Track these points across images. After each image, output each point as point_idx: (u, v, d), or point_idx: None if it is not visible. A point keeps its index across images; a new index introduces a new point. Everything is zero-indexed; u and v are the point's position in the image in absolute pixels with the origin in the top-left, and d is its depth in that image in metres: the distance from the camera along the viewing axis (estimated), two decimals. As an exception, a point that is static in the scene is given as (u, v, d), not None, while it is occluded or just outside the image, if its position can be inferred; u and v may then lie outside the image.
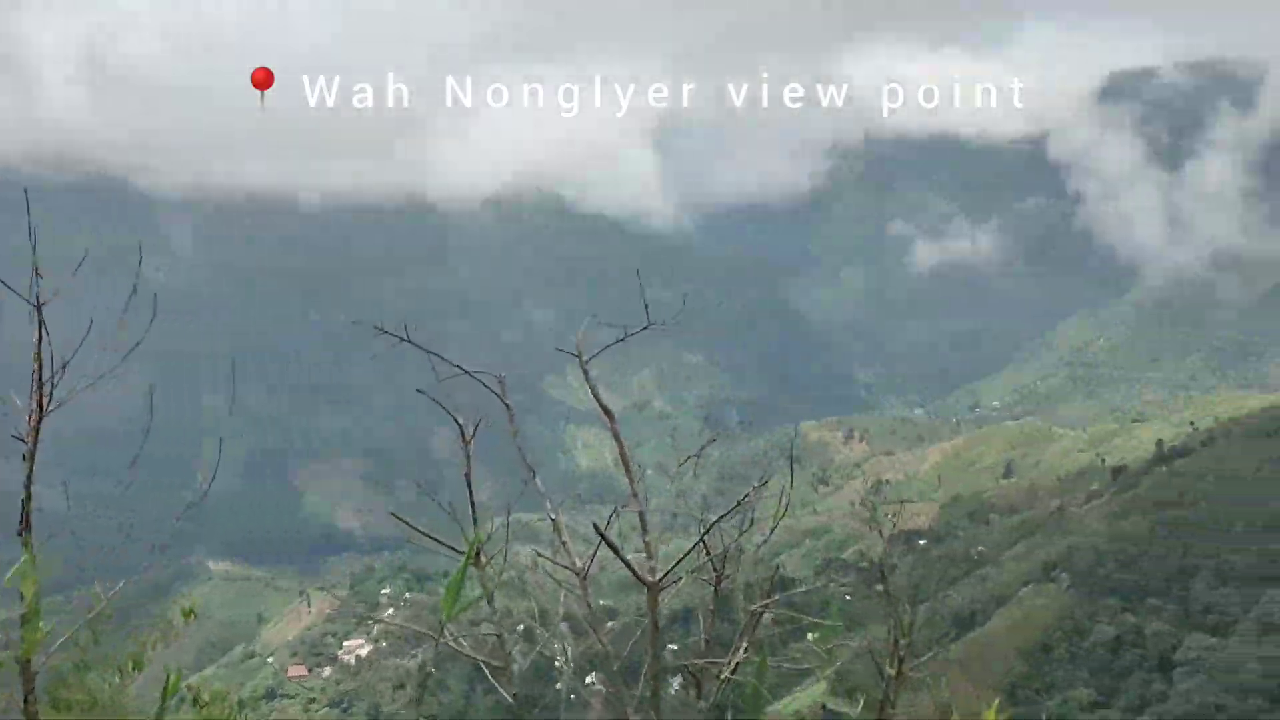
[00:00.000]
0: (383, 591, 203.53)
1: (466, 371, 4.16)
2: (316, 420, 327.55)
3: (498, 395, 4.25)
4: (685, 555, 3.81)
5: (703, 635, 3.71)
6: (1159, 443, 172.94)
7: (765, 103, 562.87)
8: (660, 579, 3.36)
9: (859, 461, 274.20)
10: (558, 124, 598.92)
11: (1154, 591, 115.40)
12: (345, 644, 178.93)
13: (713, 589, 3.91)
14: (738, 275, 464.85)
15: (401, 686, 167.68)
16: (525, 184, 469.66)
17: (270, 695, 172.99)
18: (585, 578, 3.74)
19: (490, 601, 3.73)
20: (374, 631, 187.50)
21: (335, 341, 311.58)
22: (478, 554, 3.59)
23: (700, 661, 3.55)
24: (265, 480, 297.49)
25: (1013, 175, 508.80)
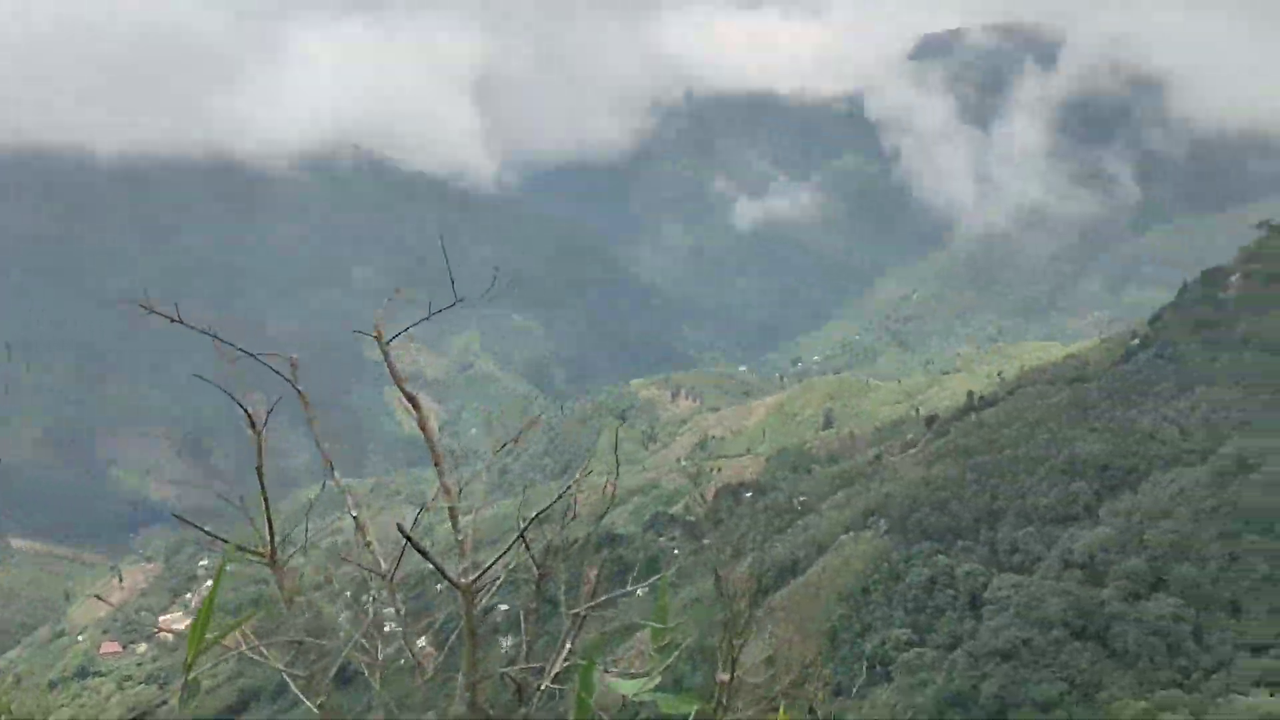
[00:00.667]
0: (200, 564, 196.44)
1: (250, 354, 3.58)
2: (123, 390, 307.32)
3: (288, 380, 3.67)
4: (501, 555, 3.22)
5: (523, 639, 3.08)
6: (969, 393, 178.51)
7: (585, 60, 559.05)
8: (474, 580, 2.91)
9: (686, 418, 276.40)
10: (373, 80, 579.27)
11: (964, 534, 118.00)
12: (161, 619, 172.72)
13: (534, 587, 3.29)
14: (562, 234, 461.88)
15: (225, 661, 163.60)
16: (341, 141, 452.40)
17: (82, 674, 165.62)
18: (392, 580, 3.20)
19: (289, 604, 3.14)
20: (192, 605, 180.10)
21: (136, 308, 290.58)
22: (273, 556, 3.10)
23: (519, 668, 3.00)
24: (68, 455, 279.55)
25: (831, 134, 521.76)
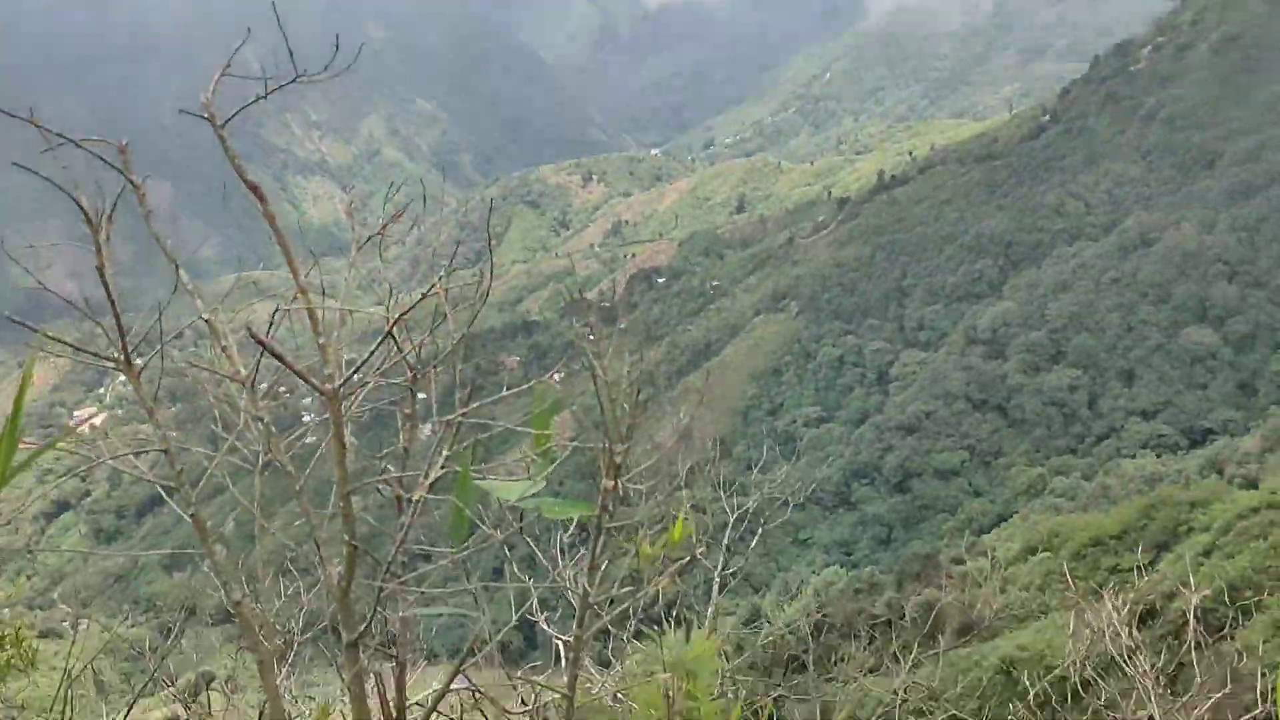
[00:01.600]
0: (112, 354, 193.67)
1: (72, 141, 3.07)
2: (11, 181, 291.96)
3: (116, 168, 3.08)
4: (365, 359, 2.97)
5: (401, 445, 2.93)
6: (880, 173, 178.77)
7: None
8: (340, 385, 2.71)
9: (598, 204, 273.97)
10: None
11: (873, 313, 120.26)
12: (76, 413, 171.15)
13: (409, 391, 3.02)
14: (462, 14, 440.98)
15: (145, 451, 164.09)
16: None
17: None
18: (253, 387, 2.98)
19: (151, 415, 3.00)
20: (107, 398, 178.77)
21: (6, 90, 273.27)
22: (128, 360, 2.98)
23: (393, 476, 2.85)
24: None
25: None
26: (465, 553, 2.44)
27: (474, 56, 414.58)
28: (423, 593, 2.65)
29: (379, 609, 2.55)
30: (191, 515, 2.82)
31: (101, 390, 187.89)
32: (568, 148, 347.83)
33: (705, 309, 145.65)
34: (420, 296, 2.84)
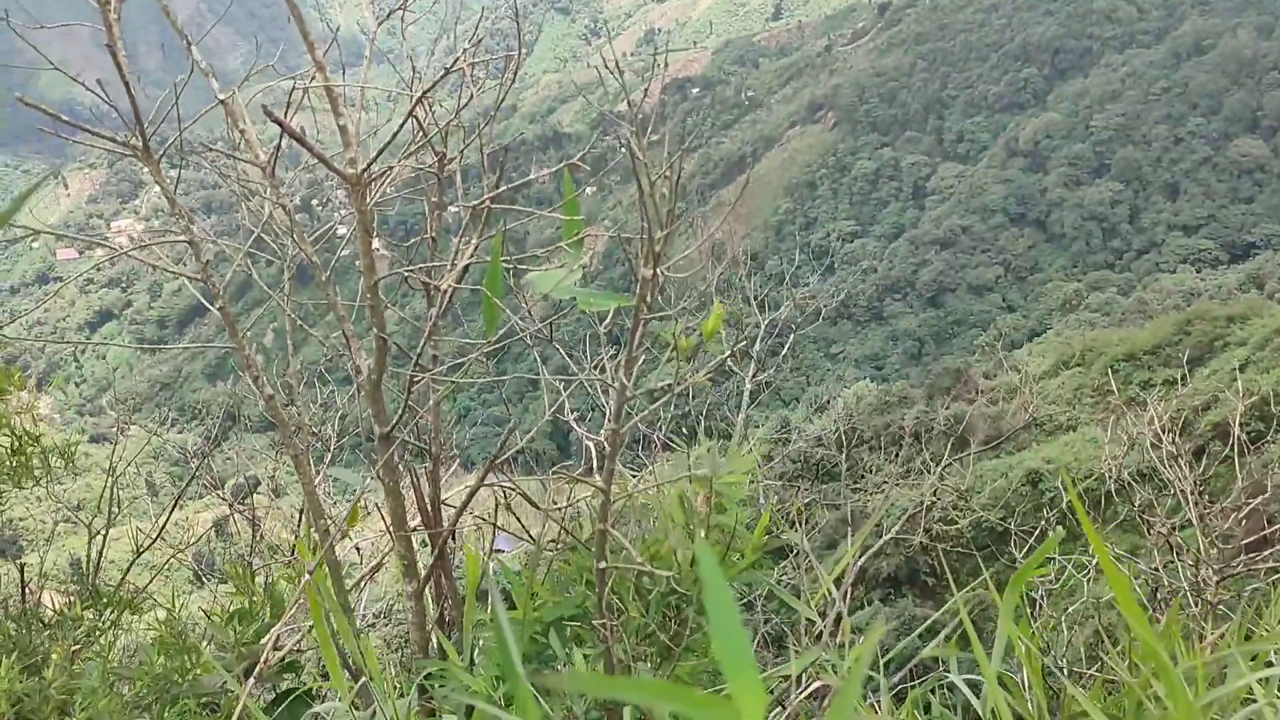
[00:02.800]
0: (145, 169, 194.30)
1: None
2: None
3: None
4: (392, 138, 2.74)
5: (429, 235, 2.83)
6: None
7: None
8: (364, 170, 2.49)
9: (631, 11, 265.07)
10: None
11: (912, 125, 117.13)
12: (113, 224, 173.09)
13: (434, 177, 2.88)
14: None
15: (182, 260, 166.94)
16: None
17: (43, 280, 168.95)
18: (273, 172, 2.81)
19: (172, 204, 2.88)
20: (143, 209, 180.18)
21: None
22: (146, 147, 2.80)
23: (422, 266, 2.72)
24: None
25: None
26: (498, 346, 2.37)
27: None
28: (453, 382, 2.60)
29: (409, 402, 2.51)
30: (220, 308, 2.76)
31: (137, 201, 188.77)
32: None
33: (740, 120, 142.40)
34: (444, 71, 2.67)
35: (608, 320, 2.45)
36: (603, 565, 2.08)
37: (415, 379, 2.48)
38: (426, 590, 2.61)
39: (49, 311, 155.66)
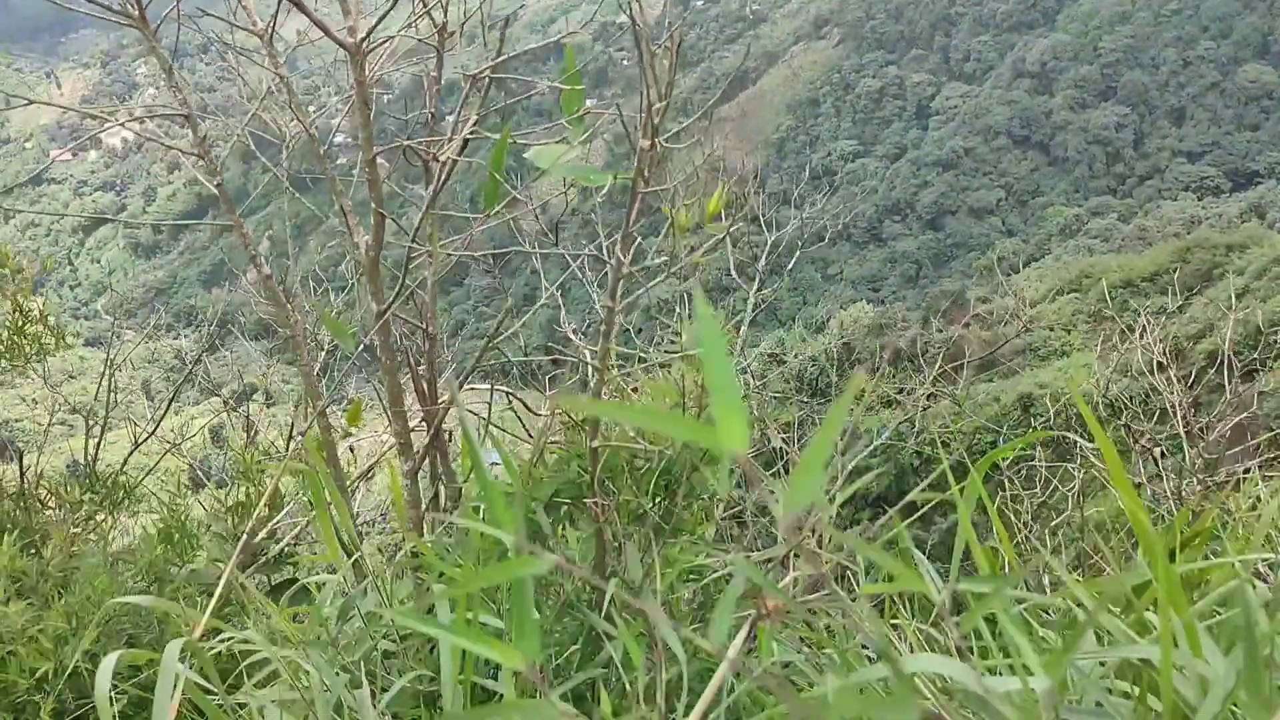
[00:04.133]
0: (139, 69, 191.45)
1: None
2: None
3: None
4: (391, 7, 2.66)
5: (428, 110, 2.72)
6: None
7: None
8: (364, 39, 2.46)
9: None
10: None
11: (919, 43, 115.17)
12: (106, 125, 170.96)
13: (435, 53, 2.77)
14: None
15: (176, 168, 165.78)
16: None
17: (37, 181, 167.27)
18: (270, 41, 2.76)
19: (169, 74, 2.83)
20: (135, 110, 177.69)
21: None
22: (143, 16, 2.77)
23: (423, 140, 2.64)
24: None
25: None
26: (498, 223, 2.36)
27: None
28: (451, 255, 2.60)
29: (407, 281, 2.51)
30: (217, 185, 2.75)
31: (131, 103, 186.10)
32: None
33: (743, 35, 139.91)
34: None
35: (602, 193, 2.44)
36: (595, 444, 2.10)
37: (413, 255, 2.48)
38: (422, 471, 2.65)
39: (42, 213, 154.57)
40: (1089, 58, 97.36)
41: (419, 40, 2.72)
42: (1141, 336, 5.32)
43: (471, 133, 2.46)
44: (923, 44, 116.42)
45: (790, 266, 6.83)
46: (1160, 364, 4.46)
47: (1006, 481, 5.23)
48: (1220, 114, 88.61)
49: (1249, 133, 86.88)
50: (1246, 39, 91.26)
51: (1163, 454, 4.36)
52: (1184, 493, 4.03)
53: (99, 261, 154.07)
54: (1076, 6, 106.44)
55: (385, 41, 2.59)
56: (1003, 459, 5.60)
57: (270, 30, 2.70)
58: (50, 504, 3.58)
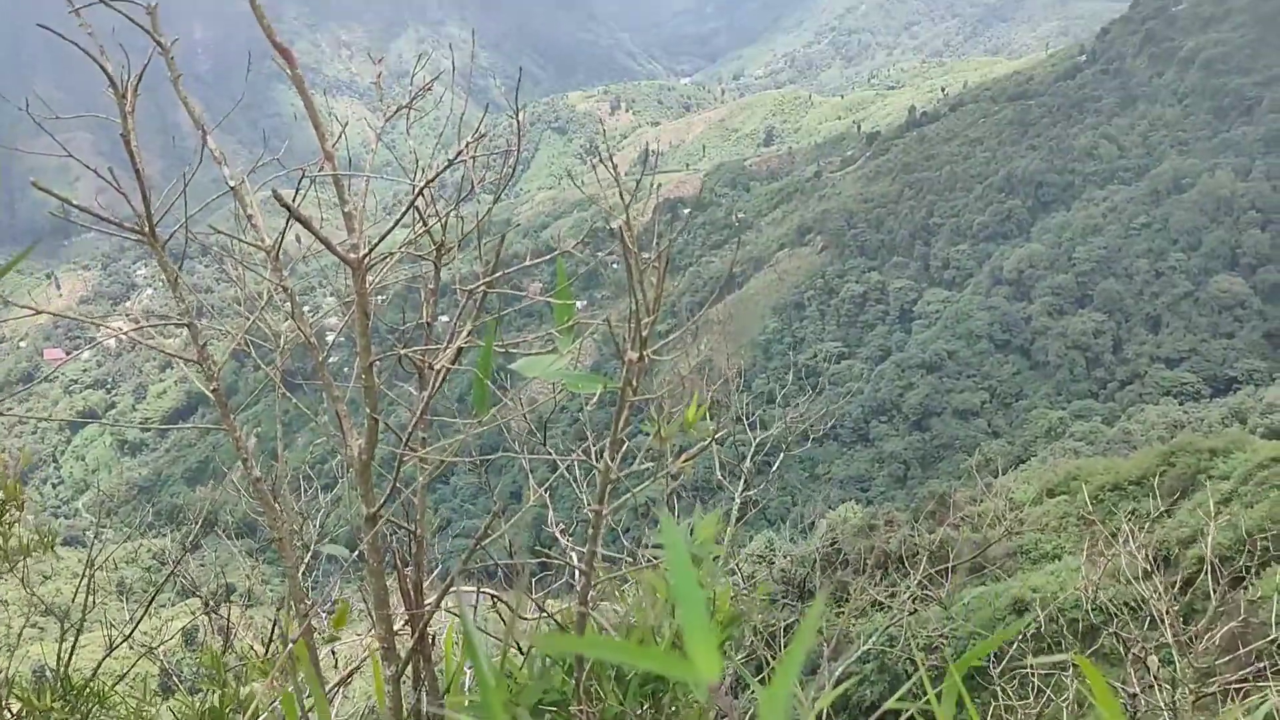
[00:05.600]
0: (138, 271, 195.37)
1: (104, 1, 2.96)
2: (43, 92, 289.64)
3: (147, 31, 3.02)
4: (392, 227, 2.93)
5: (424, 320, 2.97)
6: (911, 109, 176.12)
7: None
8: (365, 255, 2.69)
9: (626, 132, 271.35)
10: None
11: (899, 250, 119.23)
12: (103, 325, 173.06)
13: (433, 266, 3.03)
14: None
15: (168, 366, 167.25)
16: None
17: (27, 379, 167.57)
18: (277, 256, 3.00)
19: (174, 286, 3.02)
20: (133, 312, 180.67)
21: None
22: (152, 231, 2.93)
23: (418, 349, 2.88)
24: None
25: None
26: (488, 427, 2.41)
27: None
28: (441, 461, 2.63)
29: (398, 484, 2.54)
30: (214, 389, 2.81)
31: (128, 303, 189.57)
32: (596, 74, 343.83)
33: (730, 241, 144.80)
34: (446, 164, 2.78)
35: (592, 401, 2.51)
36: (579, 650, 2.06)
37: (403, 459, 2.52)
38: (405, 676, 2.61)
39: (31, 410, 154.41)
40: (1064, 267, 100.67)
41: (417, 256, 2.84)
42: (1127, 543, 5.33)
43: (465, 341, 2.55)
44: (903, 252, 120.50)
45: (776, 466, 6.87)
46: (1147, 570, 4.45)
47: (1000, 691, 5.12)
48: (1195, 322, 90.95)
49: (1224, 340, 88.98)
50: (1215, 251, 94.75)
51: (1155, 667, 4.30)
52: (1177, 704, 3.95)
53: (84, 459, 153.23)
54: (1049, 218, 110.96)
55: (386, 258, 2.72)
56: (993, 666, 5.49)
57: (277, 246, 2.83)
58: (20, 713, 3.47)
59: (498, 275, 2.58)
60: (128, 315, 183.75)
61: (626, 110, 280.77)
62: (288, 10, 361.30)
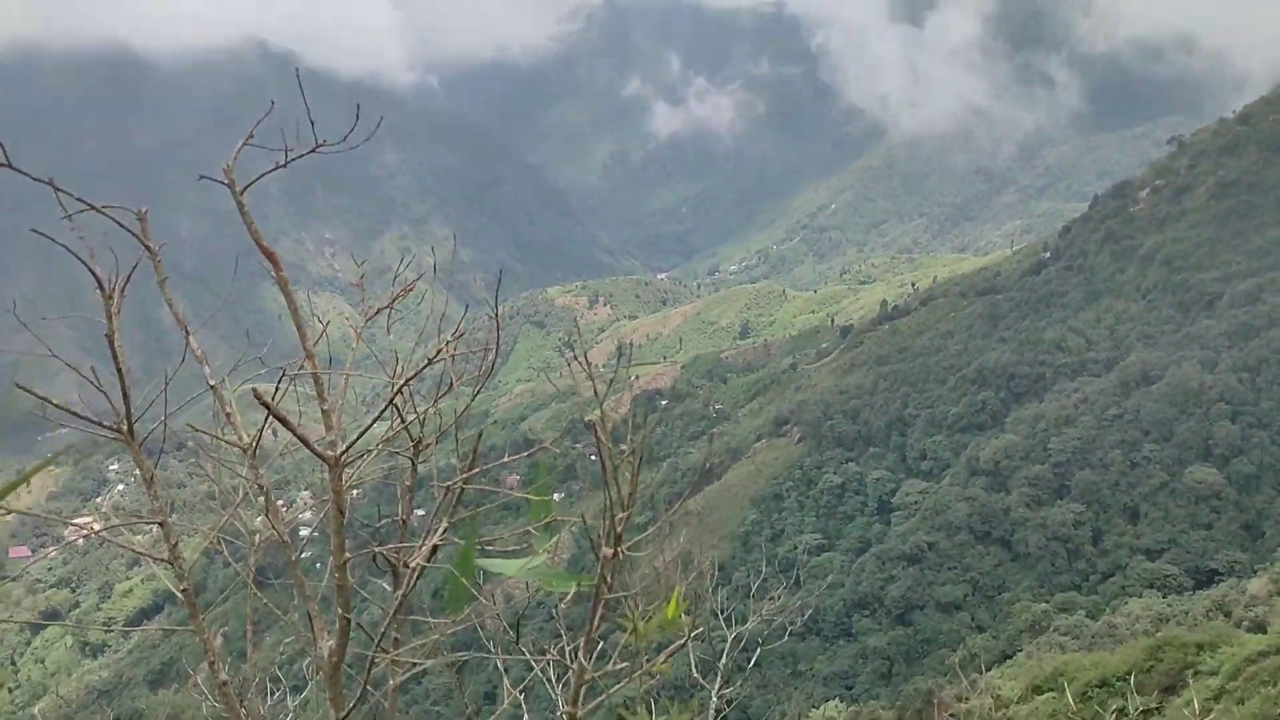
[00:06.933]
0: (111, 467, 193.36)
1: (93, 207, 3.13)
2: (27, 285, 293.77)
3: (134, 235, 3.12)
4: (371, 424, 3.06)
5: (400, 517, 2.93)
6: (883, 303, 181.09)
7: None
8: (343, 453, 2.71)
9: (604, 325, 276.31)
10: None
11: (875, 441, 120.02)
12: (73, 520, 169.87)
13: (410, 463, 3.00)
14: (477, 137, 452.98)
15: (136, 564, 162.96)
16: (248, 37, 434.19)
17: None
18: (254, 454, 3.03)
19: (150, 485, 2.99)
20: (103, 507, 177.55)
21: (30, 190, 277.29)
22: (130, 430, 2.98)
23: (393, 546, 2.82)
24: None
25: (756, 38, 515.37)
26: (462, 626, 2.38)
27: (486, 178, 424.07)
28: (415, 664, 2.58)
29: (368, 686, 2.48)
30: (183, 589, 2.77)
31: (99, 499, 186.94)
32: (575, 269, 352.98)
33: (707, 432, 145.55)
34: (426, 362, 2.85)
35: (568, 597, 2.48)
36: None
37: (375, 660, 2.48)
38: None
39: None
40: (1039, 457, 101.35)
41: (394, 453, 2.87)
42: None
43: (441, 539, 2.55)
44: (880, 442, 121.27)
45: (753, 663, 6.70)
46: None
47: None
48: (1173, 513, 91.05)
49: (1203, 530, 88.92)
50: (1187, 442, 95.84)
51: None
52: None
53: (43, 661, 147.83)
54: (1023, 410, 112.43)
55: (363, 456, 2.74)
56: None
57: (255, 445, 2.85)
58: None
59: (475, 471, 2.60)
60: (98, 511, 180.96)
61: (605, 304, 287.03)
62: (274, 209, 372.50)
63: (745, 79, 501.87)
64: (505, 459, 2.85)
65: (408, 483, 2.91)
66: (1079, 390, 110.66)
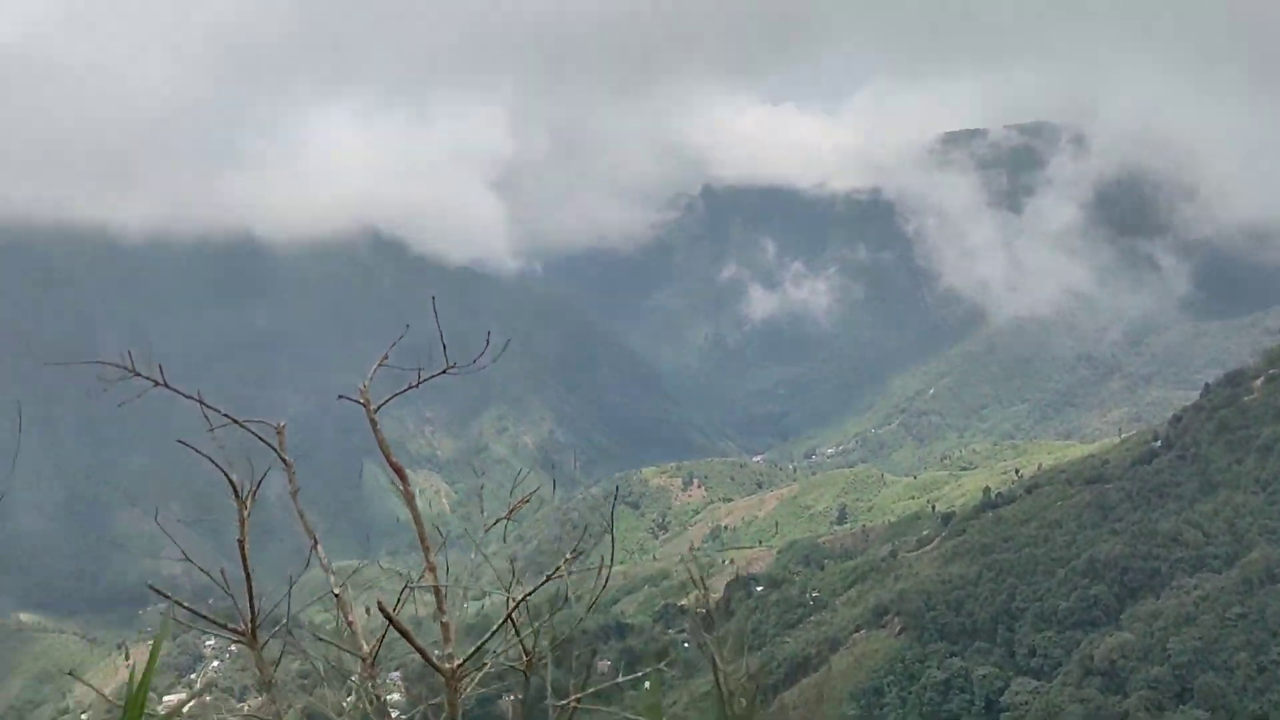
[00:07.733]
0: (207, 643, 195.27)
1: (236, 421, 3.37)
2: (140, 466, 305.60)
3: (272, 447, 3.38)
4: (486, 639, 2.96)
5: None
6: (986, 490, 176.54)
7: (606, 152, 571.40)
8: (459, 665, 2.70)
9: (698, 508, 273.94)
10: (396, 166, 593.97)
11: (981, 635, 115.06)
12: (165, 699, 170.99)
13: (523, 675, 2.95)
14: (578, 321, 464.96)
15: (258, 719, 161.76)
16: (363, 226, 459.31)
17: None
18: (374, 664, 2.94)
19: (269, 689, 2.94)
20: (197, 684, 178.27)
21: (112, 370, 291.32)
22: (254, 633, 2.94)
23: None
24: (83, 527, 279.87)
25: (851, 224, 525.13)
26: None
27: (585, 360, 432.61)
28: None
29: None
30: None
31: (193, 676, 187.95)
32: (670, 451, 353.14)
33: (803, 620, 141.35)
34: (544, 579, 2.97)
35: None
36: None
37: None
38: None
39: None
40: (1159, 658, 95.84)
41: (509, 665, 2.98)
42: None
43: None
44: (985, 636, 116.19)
45: None
46: None
47: None
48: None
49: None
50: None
51: None
52: None
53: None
54: (1139, 606, 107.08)
55: (479, 670, 2.85)
56: None
57: (373, 655, 2.99)
58: None
59: (589, 692, 2.69)
60: (190, 688, 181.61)
61: (699, 485, 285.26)
62: (375, 388, 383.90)
63: (841, 264, 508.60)
64: (619, 679, 2.93)
65: (520, 696, 3.00)
66: (1199, 587, 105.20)
